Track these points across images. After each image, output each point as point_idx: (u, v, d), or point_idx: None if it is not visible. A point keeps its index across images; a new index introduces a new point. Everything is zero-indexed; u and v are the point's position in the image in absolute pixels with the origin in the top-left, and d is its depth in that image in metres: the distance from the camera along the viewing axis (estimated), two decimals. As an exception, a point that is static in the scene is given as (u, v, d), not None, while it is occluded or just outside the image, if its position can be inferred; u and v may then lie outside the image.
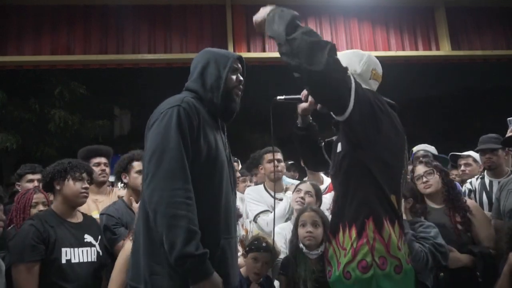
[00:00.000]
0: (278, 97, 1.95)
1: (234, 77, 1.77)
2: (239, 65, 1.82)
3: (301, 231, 2.34)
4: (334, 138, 2.05)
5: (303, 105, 1.95)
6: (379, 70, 1.87)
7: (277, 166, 3.14)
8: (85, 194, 2.29)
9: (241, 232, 2.75)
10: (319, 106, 1.89)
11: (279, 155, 3.24)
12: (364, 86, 1.75)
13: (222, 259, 1.59)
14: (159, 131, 1.54)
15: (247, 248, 2.39)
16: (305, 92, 1.92)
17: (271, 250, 2.30)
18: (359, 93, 1.64)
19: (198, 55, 1.83)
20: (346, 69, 1.64)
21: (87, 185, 2.30)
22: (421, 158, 2.94)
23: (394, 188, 1.70)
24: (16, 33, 4.42)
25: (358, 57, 1.84)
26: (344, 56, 1.79)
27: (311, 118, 2.03)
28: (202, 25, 4.69)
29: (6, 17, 4.43)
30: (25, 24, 4.44)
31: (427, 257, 2.17)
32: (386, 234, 1.59)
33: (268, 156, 3.23)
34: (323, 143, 2.07)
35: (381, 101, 1.75)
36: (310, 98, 1.89)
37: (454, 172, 4.04)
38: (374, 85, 1.85)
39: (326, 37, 4.80)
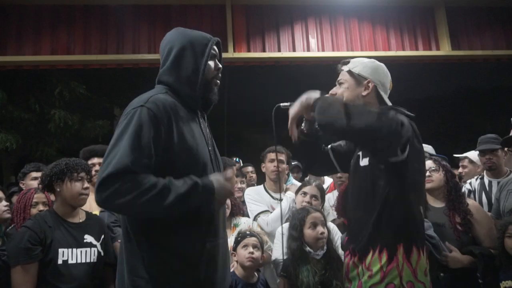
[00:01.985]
0: (283, 104, 1.89)
1: (212, 64, 1.62)
2: (216, 49, 1.65)
3: (312, 233, 2.35)
4: (341, 143, 2.04)
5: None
6: (390, 79, 1.93)
7: (278, 167, 3.14)
8: (84, 195, 2.26)
9: None
10: None
11: (282, 157, 3.23)
12: (385, 94, 1.83)
13: (210, 264, 1.50)
14: (117, 133, 1.41)
15: (234, 245, 2.39)
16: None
17: (256, 235, 2.38)
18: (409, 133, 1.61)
19: (170, 36, 1.63)
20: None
21: (87, 185, 2.27)
22: (430, 155, 2.94)
23: (422, 200, 1.77)
24: (16, 33, 4.42)
25: (380, 68, 1.86)
26: (367, 65, 1.84)
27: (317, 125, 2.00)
28: (202, 25, 4.68)
29: (6, 17, 4.43)
30: (25, 24, 4.44)
31: None
32: (414, 260, 1.63)
33: (271, 155, 3.22)
34: (329, 147, 2.03)
35: (413, 126, 1.73)
36: None
37: (455, 172, 4.04)
38: (388, 94, 1.90)
39: (326, 37, 4.81)
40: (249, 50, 4.68)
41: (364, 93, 1.81)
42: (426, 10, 5.04)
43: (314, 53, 4.75)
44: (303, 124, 1.98)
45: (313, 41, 4.78)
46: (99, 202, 1.36)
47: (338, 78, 1.90)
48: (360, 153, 1.77)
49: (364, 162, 1.75)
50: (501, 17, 5.10)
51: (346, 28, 4.87)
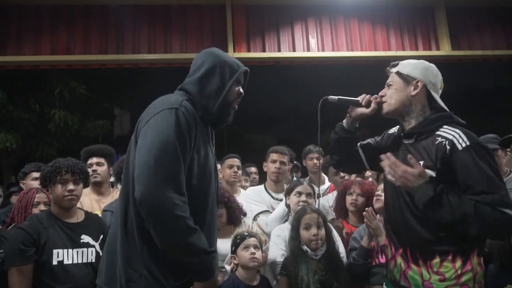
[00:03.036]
0: (330, 97, 1.91)
1: (236, 89, 1.70)
2: (243, 78, 1.75)
3: (306, 234, 2.34)
4: (371, 140, 2.03)
5: (361, 109, 1.90)
6: (442, 81, 1.93)
7: (279, 169, 3.13)
8: (69, 197, 2.21)
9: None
10: (385, 110, 1.87)
11: (284, 158, 3.21)
12: (436, 94, 1.83)
13: (207, 272, 1.55)
14: (158, 129, 1.46)
15: (233, 248, 2.38)
16: (365, 96, 1.90)
17: (254, 235, 2.36)
18: None
19: (204, 54, 1.72)
20: None
21: (71, 187, 2.21)
22: None
23: None
24: (16, 33, 4.42)
25: (430, 68, 1.87)
26: (416, 66, 1.85)
27: (358, 124, 1.99)
28: (202, 25, 4.69)
29: (6, 17, 4.43)
30: (25, 24, 4.44)
31: None
32: (482, 261, 1.71)
33: (273, 155, 3.20)
34: (359, 145, 2.02)
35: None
36: (373, 105, 1.87)
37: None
38: (439, 93, 1.90)
39: (326, 37, 4.81)
40: (249, 50, 4.67)
41: (413, 93, 1.81)
42: (426, 10, 5.04)
43: (314, 53, 4.75)
44: (344, 121, 1.98)
45: (313, 41, 4.78)
46: (142, 198, 1.40)
47: (388, 81, 1.90)
48: (423, 161, 1.71)
49: (429, 172, 1.69)
50: (501, 17, 5.10)
51: (346, 28, 4.86)
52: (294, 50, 4.73)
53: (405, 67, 1.86)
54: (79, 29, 4.50)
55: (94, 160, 3.01)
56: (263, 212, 2.99)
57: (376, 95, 1.89)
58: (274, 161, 3.17)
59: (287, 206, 2.77)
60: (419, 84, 1.80)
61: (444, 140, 1.68)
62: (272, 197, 3.13)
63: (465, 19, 5.07)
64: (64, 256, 2.13)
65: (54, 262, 2.10)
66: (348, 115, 1.96)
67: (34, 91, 9.17)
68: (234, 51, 4.62)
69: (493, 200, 1.56)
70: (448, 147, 1.65)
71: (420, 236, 1.71)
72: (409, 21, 4.98)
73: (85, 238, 2.24)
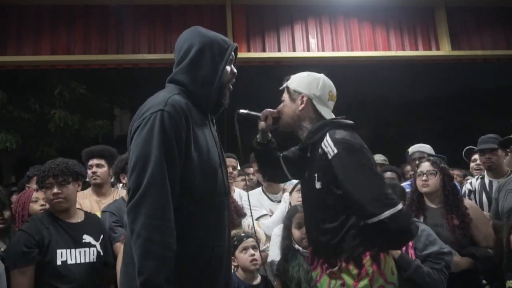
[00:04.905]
0: (241, 110, 1.95)
1: (229, 69, 1.61)
2: (233, 55, 1.64)
3: (298, 233, 2.34)
4: (291, 151, 2.05)
5: (263, 124, 1.95)
6: (334, 91, 1.90)
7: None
8: (56, 201, 2.20)
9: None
10: (281, 126, 1.92)
11: None
12: (323, 107, 1.82)
13: (217, 268, 1.52)
14: (140, 141, 1.39)
15: (232, 249, 2.37)
16: (266, 111, 1.93)
17: (251, 235, 2.35)
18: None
19: (189, 35, 1.60)
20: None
21: (55, 191, 2.19)
22: (429, 157, 2.96)
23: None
24: (16, 33, 4.41)
25: (315, 81, 1.85)
26: (302, 80, 1.85)
27: (270, 135, 2.03)
28: (202, 25, 4.54)
29: (6, 17, 4.43)
30: (25, 24, 4.43)
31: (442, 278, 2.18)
32: (382, 264, 1.66)
33: None
34: (281, 155, 2.05)
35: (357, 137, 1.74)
36: (269, 120, 1.92)
37: (456, 172, 4.06)
38: (331, 105, 1.89)
39: (326, 37, 4.80)
40: (249, 50, 4.67)
41: (300, 108, 1.83)
42: (426, 10, 5.04)
43: (314, 53, 4.75)
44: (257, 135, 2.03)
45: (313, 41, 4.78)
46: (129, 210, 1.36)
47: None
48: (316, 175, 1.74)
49: (318, 185, 1.73)
50: (501, 17, 5.10)
51: (346, 28, 4.86)
52: (294, 50, 4.73)
53: (293, 82, 1.87)
54: (79, 29, 4.50)
55: (95, 161, 3.00)
56: (262, 216, 2.98)
57: (274, 110, 1.92)
58: None
59: (290, 204, 2.78)
60: (304, 98, 1.82)
61: (321, 150, 1.70)
62: (271, 199, 3.12)
63: (465, 19, 5.07)
64: (68, 256, 2.14)
65: (58, 262, 2.10)
66: (259, 130, 2.01)
67: (34, 91, 9.15)
68: (234, 51, 4.61)
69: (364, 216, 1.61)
70: (323, 157, 1.68)
71: (322, 245, 1.74)
72: (409, 21, 4.98)
73: (87, 238, 2.25)
